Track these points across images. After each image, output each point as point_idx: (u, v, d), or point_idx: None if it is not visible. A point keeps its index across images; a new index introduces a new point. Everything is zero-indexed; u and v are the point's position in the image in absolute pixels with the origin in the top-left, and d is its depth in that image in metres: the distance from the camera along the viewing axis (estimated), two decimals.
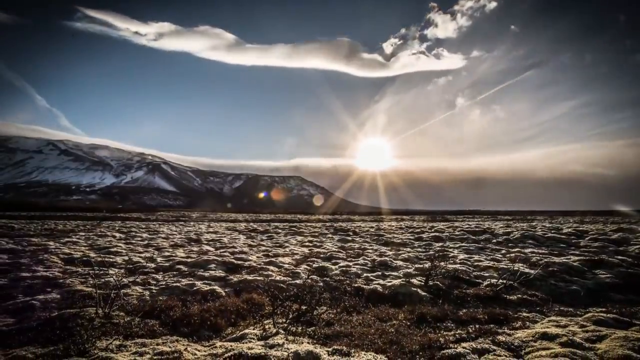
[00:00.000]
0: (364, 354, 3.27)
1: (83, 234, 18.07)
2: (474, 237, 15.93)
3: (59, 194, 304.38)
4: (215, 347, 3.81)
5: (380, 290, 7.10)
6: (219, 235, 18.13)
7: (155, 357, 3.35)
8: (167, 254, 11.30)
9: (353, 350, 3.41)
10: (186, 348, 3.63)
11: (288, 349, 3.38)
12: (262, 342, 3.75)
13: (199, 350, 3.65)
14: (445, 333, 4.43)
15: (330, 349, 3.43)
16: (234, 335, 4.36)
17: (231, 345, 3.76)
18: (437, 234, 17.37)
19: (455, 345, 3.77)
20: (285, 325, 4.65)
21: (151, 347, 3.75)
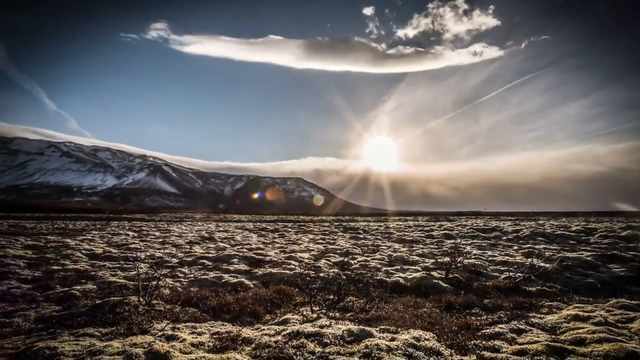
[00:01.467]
0: (413, 331, 3.48)
1: (96, 232, 18.31)
2: (484, 235, 16.13)
3: (61, 196, 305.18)
4: (263, 329, 4.02)
5: (403, 282, 7.31)
6: (230, 234, 18.35)
7: (214, 336, 3.56)
8: (185, 249, 11.55)
9: (400, 329, 3.62)
10: (240, 329, 3.84)
11: (339, 328, 3.59)
12: (309, 324, 3.96)
13: (251, 332, 3.87)
14: (477, 318, 4.64)
15: (377, 329, 3.64)
16: (276, 320, 4.58)
17: (279, 328, 3.97)
18: (446, 231, 17.58)
19: (492, 327, 3.98)
20: (324, 311, 4.86)
21: (205, 328, 3.97)
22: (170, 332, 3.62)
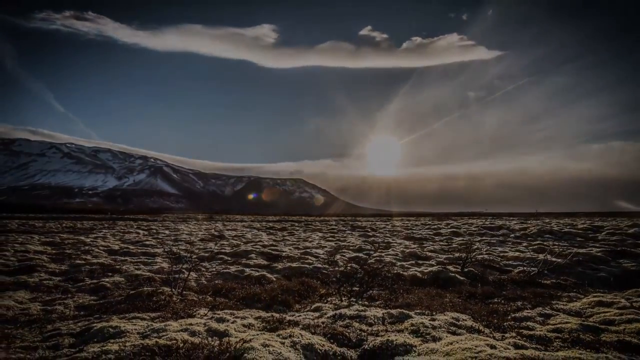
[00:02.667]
0: (449, 313, 3.67)
1: (106, 231, 18.51)
2: (492, 232, 16.31)
3: (62, 197, 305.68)
4: (302, 315, 4.20)
5: (420, 275, 7.50)
6: (239, 232, 18.54)
7: (258, 320, 3.74)
8: (200, 246, 11.74)
9: (435, 312, 3.80)
10: (281, 314, 4.02)
11: (377, 311, 3.78)
12: (345, 309, 4.13)
13: (291, 317, 4.04)
14: (502, 305, 4.81)
15: (413, 312, 3.82)
16: (309, 308, 4.76)
17: (317, 314, 4.15)
18: (454, 229, 17.76)
19: (519, 312, 4.16)
20: (353, 300, 5.04)
21: (245, 314, 4.15)
22: (218, 315, 3.80)
